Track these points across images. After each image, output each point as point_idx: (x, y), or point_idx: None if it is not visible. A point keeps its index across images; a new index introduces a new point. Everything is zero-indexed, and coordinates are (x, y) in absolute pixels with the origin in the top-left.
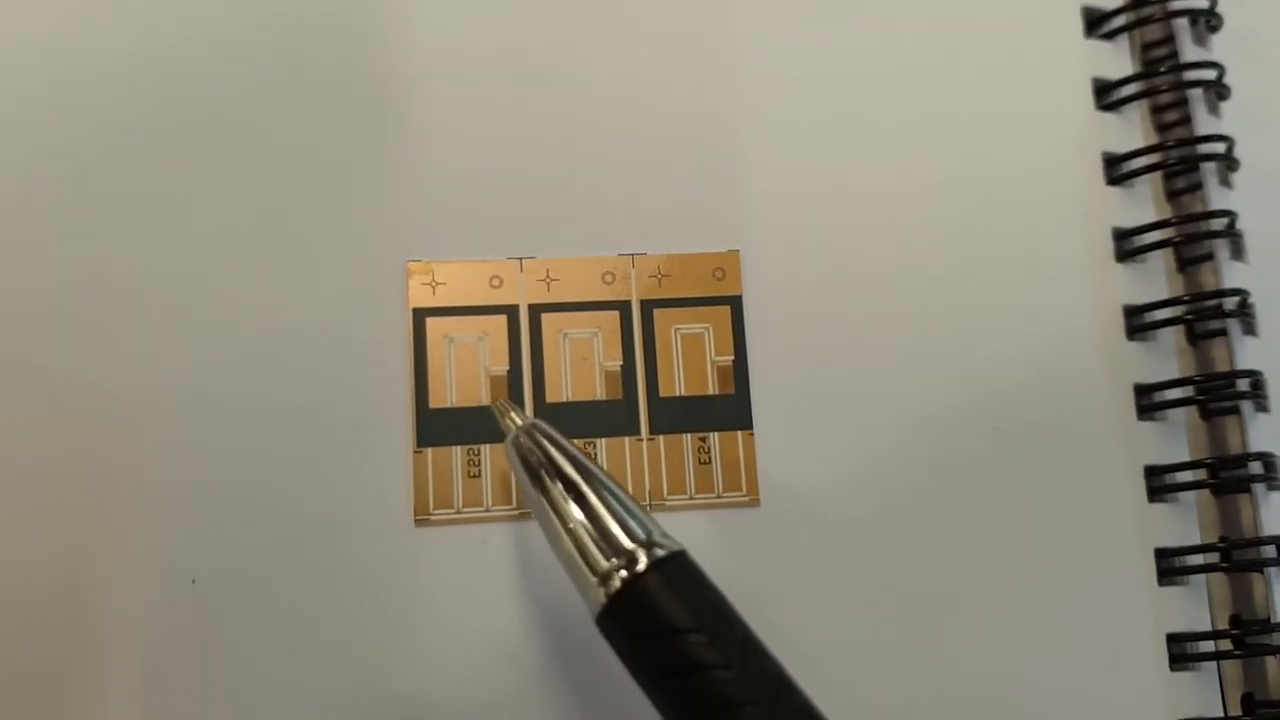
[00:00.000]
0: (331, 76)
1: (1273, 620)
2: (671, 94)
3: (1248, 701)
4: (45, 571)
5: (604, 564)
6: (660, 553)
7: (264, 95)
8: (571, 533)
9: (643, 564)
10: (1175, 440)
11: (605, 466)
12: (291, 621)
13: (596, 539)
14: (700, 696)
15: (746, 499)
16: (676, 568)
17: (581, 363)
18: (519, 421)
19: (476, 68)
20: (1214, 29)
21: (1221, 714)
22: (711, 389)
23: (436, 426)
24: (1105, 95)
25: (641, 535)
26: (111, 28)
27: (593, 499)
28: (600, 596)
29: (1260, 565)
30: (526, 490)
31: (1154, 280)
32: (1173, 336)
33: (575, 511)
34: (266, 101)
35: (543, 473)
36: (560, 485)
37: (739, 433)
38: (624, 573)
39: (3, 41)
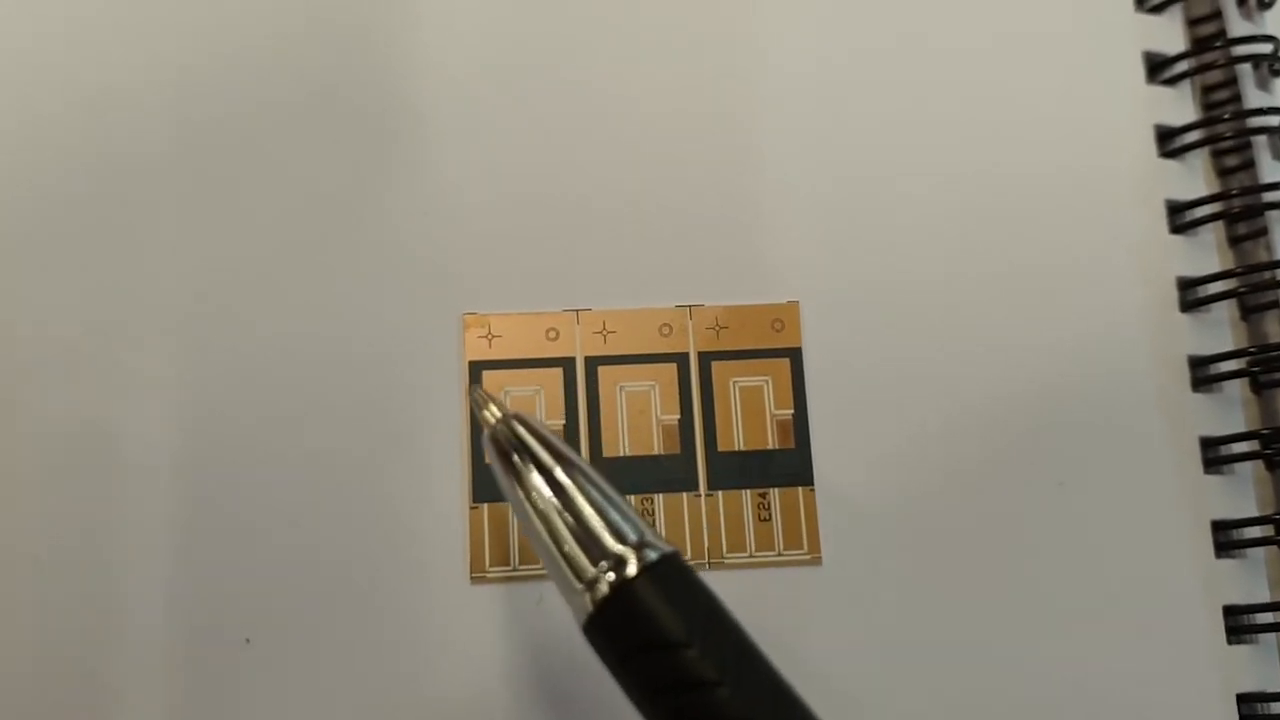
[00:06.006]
0: (385, 127)
1: None
2: (729, 145)
3: None
4: (91, 626)
5: (590, 569)
6: (652, 555)
7: (315, 142)
8: (554, 533)
9: (633, 568)
10: (1242, 494)
11: (663, 524)
12: (345, 679)
13: (583, 540)
14: (694, 714)
15: (808, 557)
16: (668, 571)
17: (638, 416)
18: (498, 412)
19: (533, 120)
20: (1277, 73)
21: None
22: (771, 443)
23: (492, 482)
24: (1167, 142)
25: (632, 536)
26: (140, 64)
27: (578, 497)
28: (586, 604)
29: None
30: (504, 486)
31: (1218, 329)
32: (1238, 389)
33: (558, 509)
34: (317, 149)
35: (522, 467)
36: (543, 481)
37: (800, 488)
38: (612, 576)
39: (10, 64)
